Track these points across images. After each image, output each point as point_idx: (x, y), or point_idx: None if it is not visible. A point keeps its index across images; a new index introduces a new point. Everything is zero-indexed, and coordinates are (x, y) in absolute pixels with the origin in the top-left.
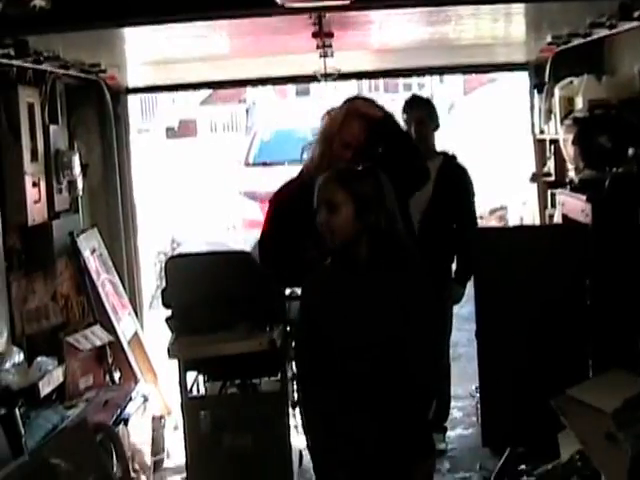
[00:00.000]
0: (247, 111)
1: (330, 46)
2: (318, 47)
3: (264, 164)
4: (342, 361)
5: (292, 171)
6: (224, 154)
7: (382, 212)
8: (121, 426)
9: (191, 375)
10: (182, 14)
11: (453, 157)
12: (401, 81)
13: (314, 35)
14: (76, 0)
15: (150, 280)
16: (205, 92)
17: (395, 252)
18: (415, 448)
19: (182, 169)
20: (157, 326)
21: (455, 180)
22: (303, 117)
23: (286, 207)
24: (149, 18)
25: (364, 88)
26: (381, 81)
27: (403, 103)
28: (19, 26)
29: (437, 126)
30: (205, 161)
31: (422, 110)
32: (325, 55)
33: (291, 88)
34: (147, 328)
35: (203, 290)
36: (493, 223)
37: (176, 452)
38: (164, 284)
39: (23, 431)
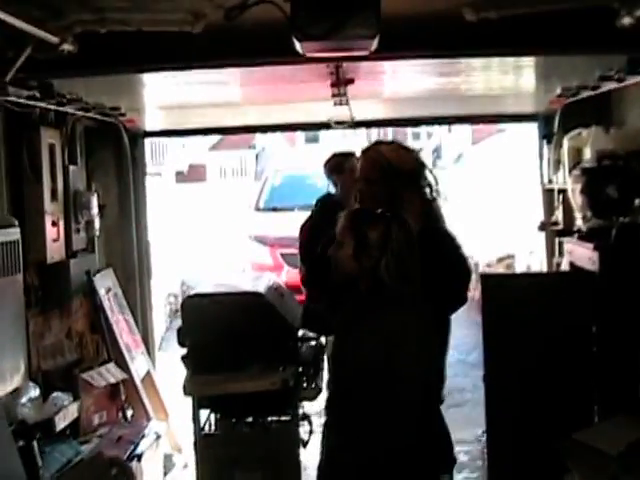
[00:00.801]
0: (257, 157)
1: (345, 94)
2: (334, 95)
3: (274, 209)
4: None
5: (302, 217)
6: (233, 199)
7: (384, 258)
8: (134, 462)
9: (203, 414)
10: (202, 61)
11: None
12: (410, 130)
13: (332, 85)
14: (101, 46)
15: (160, 321)
16: (215, 137)
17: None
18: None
19: (192, 213)
20: (167, 366)
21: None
22: (313, 163)
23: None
24: (169, 64)
25: (373, 136)
26: (390, 130)
27: None
28: (45, 69)
29: None
30: (214, 205)
31: None
32: (340, 103)
33: (300, 135)
34: (157, 368)
35: (218, 330)
36: (501, 271)
37: None
38: (181, 323)
39: (40, 463)
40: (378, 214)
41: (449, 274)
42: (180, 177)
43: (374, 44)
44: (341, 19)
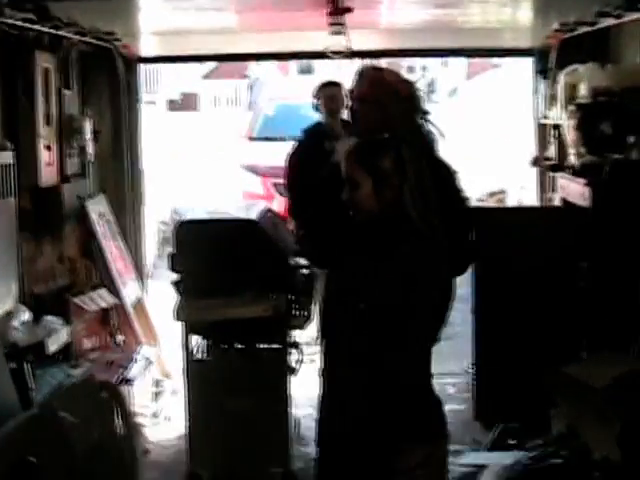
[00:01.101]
0: (250, 86)
1: (342, 24)
2: (330, 24)
3: (267, 139)
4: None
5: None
6: (226, 128)
7: (406, 185)
8: (125, 386)
9: (193, 340)
10: None
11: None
12: (405, 63)
13: (329, 13)
14: None
15: (151, 249)
16: (208, 66)
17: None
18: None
19: (184, 141)
20: (157, 294)
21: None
22: (306, 94)
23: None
24: None
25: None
26: (383, 62)
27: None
28: None
29: None
30: (207, 134)
31: None
32: (337, 33)
33: (293, 65)
34: (148, 295)
35: (211, 256)
36: (492, 205)
37: (174, 416)
38: (173, 249)
39: (32, 385)
40: (383, 140)
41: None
42: (173, 106)
43: None
44: None
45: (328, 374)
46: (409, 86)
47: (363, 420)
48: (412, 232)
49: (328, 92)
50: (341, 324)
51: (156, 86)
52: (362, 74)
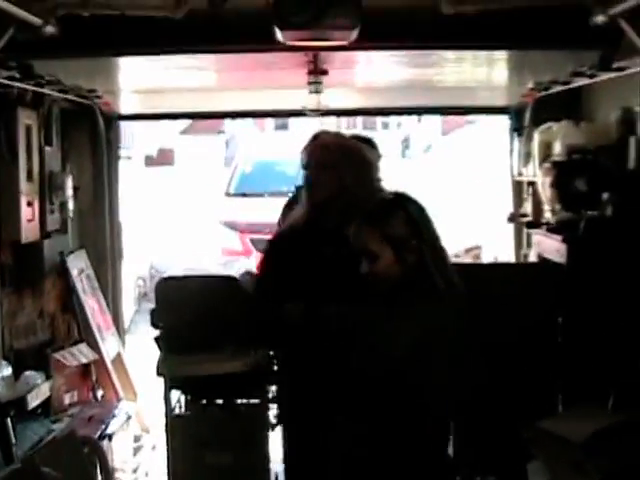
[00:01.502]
0: (226, 142)
1: (321, 83)
2: (309, 83)
3: (244, 195)
4: None
5: (272, 202)
6: (202, 184)
7: (423, 244)
8: (105, 441)
9: (173, 395)
10: (182, 46)
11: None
12: (379, 119)
13: (309, 72)
14: (81, 29)
15: (129, 304)
16: (185, 122)
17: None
18: None
19: (161, 197)
20: (135, 349)
21: None
22: (283, 150)
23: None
24: (149, 49)
25: (342, 124)
26: (359, 119)
27: None
28: (26, 50)
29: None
30: (183, 190)
31: None
32: (316, 91)
33: (270, 121)
34: (126, 350)
35: (192, 312)
36: (468, 261)
37: (154, 471)
38: (154, 305)
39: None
40: (386, 202)
41: None
42: (149, 161)
43: (354, 34)
44: (323, 9)
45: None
46: (361, 147)
47: None
48: (434, 291)
49: None
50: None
51: (132, 142)
52: (315, 139)
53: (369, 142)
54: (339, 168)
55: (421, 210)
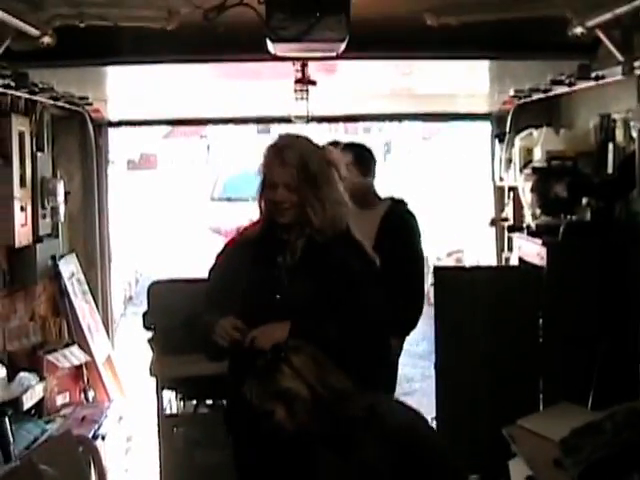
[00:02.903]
0: (208, 147)
1: (307, 91)
2: (296, 91)
3: (228, 199)
4: None
5: (255, 206)
6: (185, 187)
7: None
8: (99, 441)
9: (165, 395)
10: (175, 55)
11: (401, 202)
12: (361, 124)
13: (297, 81)
14: (75, 39)
15: (116, 308)
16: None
17: None
18: None
19: (145, 201)
20: (122, 351)
21: (401, 227)
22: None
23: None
24: (142, 58)
25: (324, 129)
26: (341, 123)
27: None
28: (21, 60)
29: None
30: (167, 194)
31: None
32: (302, 99)
33: (252, 126)
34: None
35: (183, 313)
36: (451, 264)
37: (146, 471)
38: (147, 307)
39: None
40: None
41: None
42: (133, 165)
43: (342, 46)
44: (314, 23)
45: None
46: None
47: None
48: None
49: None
50: None
51: (116, 146)
52: (279, 151)
53: (363, 147)
54: (302, 189)
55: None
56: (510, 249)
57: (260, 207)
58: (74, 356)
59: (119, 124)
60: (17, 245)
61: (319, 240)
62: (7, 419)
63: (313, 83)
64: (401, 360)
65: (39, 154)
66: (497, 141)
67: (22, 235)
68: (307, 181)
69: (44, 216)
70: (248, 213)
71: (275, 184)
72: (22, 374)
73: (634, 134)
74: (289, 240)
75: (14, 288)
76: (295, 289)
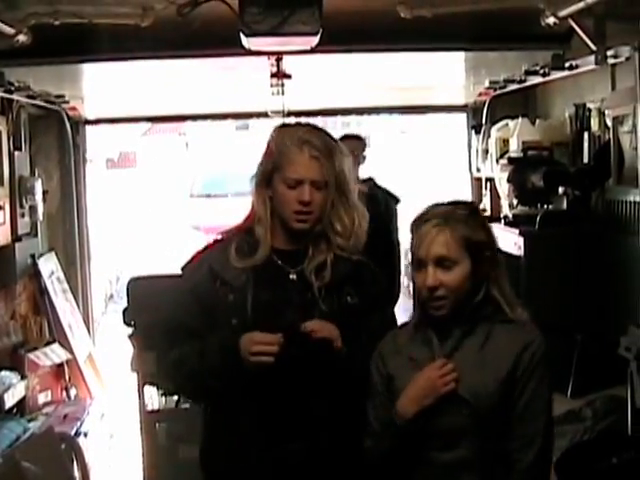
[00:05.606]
0: (187, 144)
1: (283, 85)
2: (272, 85)
3: (207, 196)
4: None
5: (235, 203)
6: (164, 185)
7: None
8: (81, 438)
9: (146, 392)
10: (150, 52)
11: (370, 179)
12: (339, 118)
13: (272, 75)
14: (51, 37)
15: (97, 305)
16: (146, 124)
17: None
18: None
19: (124, 199)
20: (104, 348)
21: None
22: (243, 151)
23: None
24: (117, 54)
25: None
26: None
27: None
28: None
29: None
30: (146, 192)
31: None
32: (278, 93)
33: (231, 122)
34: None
35: (163, 310)
36: None
37: (128, 467)
38: (127, 303)
39: None
40: (460, 204)
41: None
42: (111, 163)
43: (316, 40)
44: (287, 17)
45: None
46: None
47: None
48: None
49: (350, 147)
50: None
51: (96, 145)
52: (308, 141)
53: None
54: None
55: None
56: None
57: (258, 203)
58: (55, 354)
59: (96, 122)
60: None
61: (344, 255)
62: None
63: (288, 77)
64: None
65: (17, 153)
66: (474, 132)
67: (1, 234)
68: (336, 182)
69: (23, 215)
70: (226, 209)
71: (300, 180)
72: (3, 373)
73: (609, 123)
74: (306, 252)
75: None
76: (325, 312)
